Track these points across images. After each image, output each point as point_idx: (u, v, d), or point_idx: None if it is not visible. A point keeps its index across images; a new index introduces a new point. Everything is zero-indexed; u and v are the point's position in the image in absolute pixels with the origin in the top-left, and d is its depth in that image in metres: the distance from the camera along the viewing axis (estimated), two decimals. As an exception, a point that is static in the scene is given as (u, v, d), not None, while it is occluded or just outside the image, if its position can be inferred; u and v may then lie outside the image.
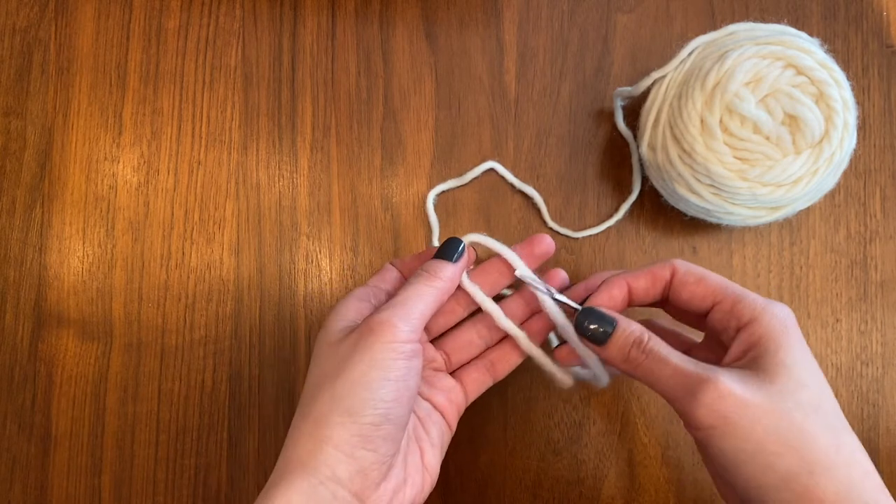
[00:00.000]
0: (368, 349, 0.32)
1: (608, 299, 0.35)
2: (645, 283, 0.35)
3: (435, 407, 0.37)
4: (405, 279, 0.38)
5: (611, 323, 0.34)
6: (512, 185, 0.45)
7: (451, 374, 0.39)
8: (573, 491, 0.44)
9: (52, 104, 0.47)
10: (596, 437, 0.45)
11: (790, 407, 0.29)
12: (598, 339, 0.34)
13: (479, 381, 0.38)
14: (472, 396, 0.38)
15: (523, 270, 0.36)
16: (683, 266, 0.35)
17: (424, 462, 0.34)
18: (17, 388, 0.45)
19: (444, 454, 0.36)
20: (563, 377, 0.38)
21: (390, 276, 0.38)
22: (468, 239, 0.37)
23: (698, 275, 0.34)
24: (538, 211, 0.45)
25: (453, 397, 0.37)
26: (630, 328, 0.34)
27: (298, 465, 0.31)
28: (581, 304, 0.36)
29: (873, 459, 0.30)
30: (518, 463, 0.45)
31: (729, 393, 0.29)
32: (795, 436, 0.29)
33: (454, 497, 0.44)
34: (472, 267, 0.38)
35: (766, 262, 0.45)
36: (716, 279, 0.34)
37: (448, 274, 0.35)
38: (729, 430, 0.29)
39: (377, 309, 0.34)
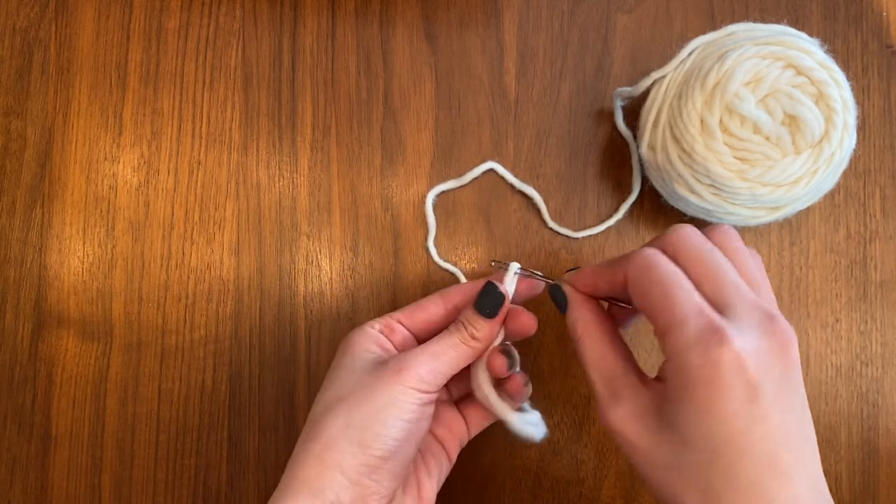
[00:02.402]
0: (389, 388, 0.32)
1: (577, 282, 0.35)
2: (605, 283, 0.33)
3: (436, 438, 0.37)
4: (445, 313, 0.37)
5: (563, 303, 0.35)
6: (512, 186, 0.45)
7: (455, 404, 0.39)
8: (573, 491, 0.45)
9: (52, 104, 0.47)
10: (596, 437, 0.45)
11: (669, 463, 0.29)
12: (561, 311, 0.35)
13: (480, 416, 0.39)
14: (475, 430, 0.39)
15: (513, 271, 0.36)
16: (634, 272, 0.31)
17: (422, 495, 0.35)
18: (17, 388, 0.45)
19: (440, 485, 0.36)
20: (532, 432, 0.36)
21: (423, 315, 0.37)
22: (512, 270, 0.36)
23: (643, 290, 0.30)
24: (538, 211, 0.45)
25: (455, 428, 0.38)
26: (572, 316, 0.34)
27: (304, 485, 0.31)
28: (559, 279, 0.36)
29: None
30: (518, 463, 0.45)
31: (618, 431, 0.30)
32: (670, 491, 0.29)
33: (454, 497, 0.44)
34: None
35: (766, 262, 0.45)
36: (656, 297, 0.29)
37: (486, 334, 0.34)
38: (623, 452, 0.31)
39: (409, 351, 0.34)
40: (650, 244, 0.32)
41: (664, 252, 0.31)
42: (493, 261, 0.37)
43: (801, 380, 0.29)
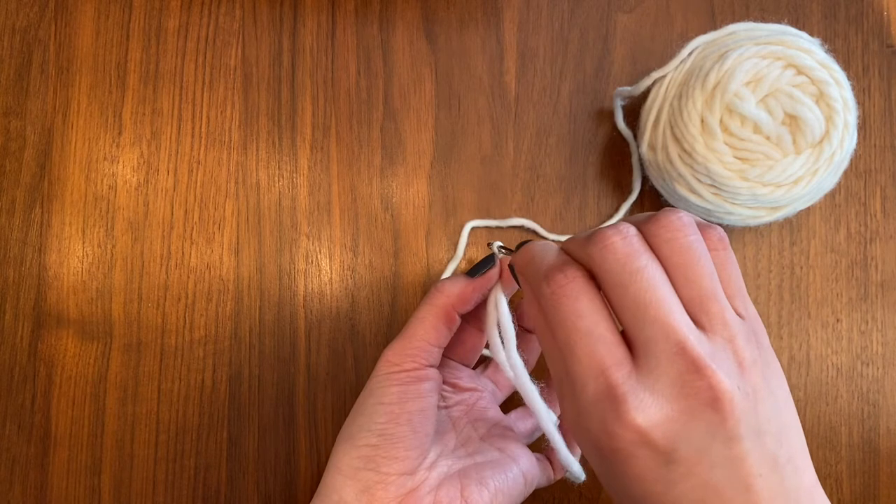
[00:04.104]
0: (368, 383, 0.33)
1: (516, 268, 0.32)
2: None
3: (513, 459, 0.35)
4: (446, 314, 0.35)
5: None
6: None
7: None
8: (573, 491, 0.44)
9: (52, 104, 0.47)
10: (596, 438, 0.45)
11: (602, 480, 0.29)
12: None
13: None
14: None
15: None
16: (544, 303, 0.26)
17: (464, 495, 0.32)
18: (16, 388, 0.45)
19: (508, 498, 0.33)
20: (576, 470, 0.36)
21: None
22: (495, 246, 0.35)
23: (550, 327, 0.27)
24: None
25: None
26: (525, 304, 0.32)
27: (315, 496, 0.32)
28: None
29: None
30: (518, 463, 0.45)
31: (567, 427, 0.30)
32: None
33: (454, 497, 0.44)
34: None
35: (766, 262, 0.45)
36: (561, 341, 0.26)
37: (450, 290, 0.34)
38: None
39: None
40: (575, 249, 0.27)
41: (588, 265, 0.26)
42: (489, 243, 0.37)
43: (754, 414, 0.25)
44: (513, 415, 0.41)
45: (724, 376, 0.24)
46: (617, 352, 0.25)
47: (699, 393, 0.24)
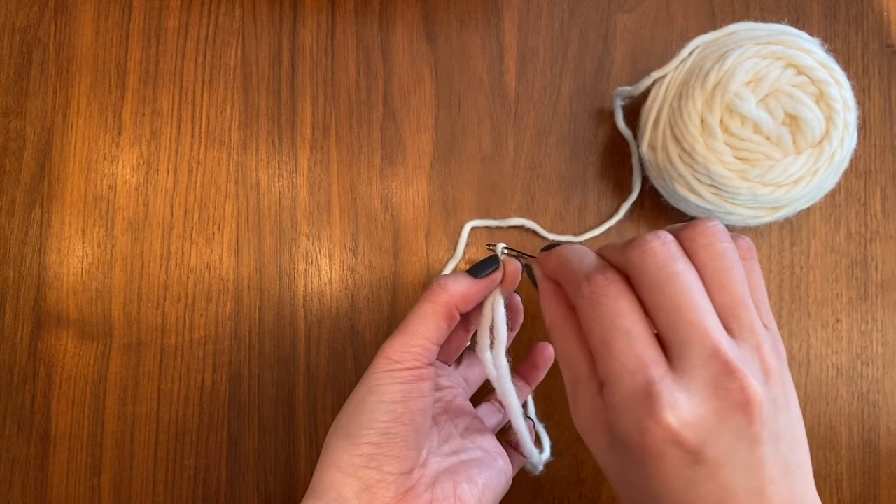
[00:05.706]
0: (366, 379, 0.33)
1: (544, 268, 0.32)
2: (564, 285, 0.31)
3: (493, 458, 0.36)
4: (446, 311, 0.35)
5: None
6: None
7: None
8: (573, 492, 0.44)
9: (52, 104, 0.47)
10: (596, 438, 0.45)
11: (619, 483, 0.29)
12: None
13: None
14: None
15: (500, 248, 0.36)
16: (581, 304, 0.27)
17: (457, 493, 0.33)
18: (16, 388, 0.45)
19: (494, 494, 0.35)
20: (536, 463, 0.39)
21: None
22: (499, 248, 0.35)
23: (586, 327, 0.27)
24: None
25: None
26: (542, 304, 0.31)
27: (310, 493, 0.32)
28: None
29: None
30: (518, 463, 0.45)
31: (579, 431, 0.29)
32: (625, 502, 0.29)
33: (454, 497, 0.44)
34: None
35: (766, 263, 0.45)
36: (596, 340, 0.26)
37: (454, 288, 0.33)
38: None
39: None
40: (613, 255, 0.28)
41: (626, 269, 0.27)
42: (488, 244, 0.38)
43: (775, 421, 0.25)
44: (479, 411, 0.41)
45: (754, 380, 0.25)
46: (654, 351, 0.25)
47: (731, 395, 0.24)
